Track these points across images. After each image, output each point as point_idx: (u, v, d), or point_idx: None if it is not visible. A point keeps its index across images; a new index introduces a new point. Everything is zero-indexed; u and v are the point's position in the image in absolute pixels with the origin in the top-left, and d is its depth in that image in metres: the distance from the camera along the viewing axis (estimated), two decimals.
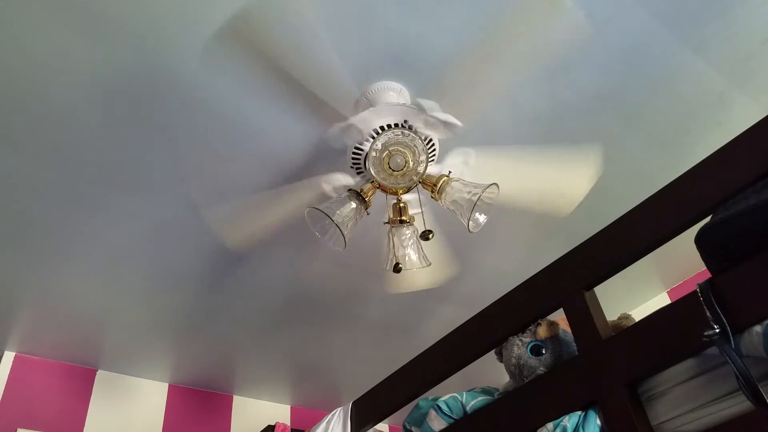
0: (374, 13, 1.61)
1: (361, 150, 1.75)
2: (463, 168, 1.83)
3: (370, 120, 1.70)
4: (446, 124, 1.73)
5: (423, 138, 1.72)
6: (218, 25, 1.58)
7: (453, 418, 1.54)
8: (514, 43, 1.61)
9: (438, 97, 1.73)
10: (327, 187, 1.85)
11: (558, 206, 1.97)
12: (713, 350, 1.04)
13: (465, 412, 1.53)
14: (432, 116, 1.70)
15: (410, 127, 1.71)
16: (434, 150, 1.79)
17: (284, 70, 1.63)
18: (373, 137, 1.71)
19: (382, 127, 1.71)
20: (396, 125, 1.71)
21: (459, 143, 1.85)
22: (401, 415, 1.75)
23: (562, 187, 1.96)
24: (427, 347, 1.71)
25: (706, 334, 1.00)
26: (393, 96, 1.76)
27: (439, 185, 1.73)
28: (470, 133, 1.85)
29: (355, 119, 1.69)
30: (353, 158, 1.79)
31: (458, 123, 1.72)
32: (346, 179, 1.85)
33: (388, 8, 1.60)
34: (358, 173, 1.85)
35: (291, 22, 1.55)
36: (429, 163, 1.73)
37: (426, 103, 1.70)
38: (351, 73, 1.70)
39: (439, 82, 1.75)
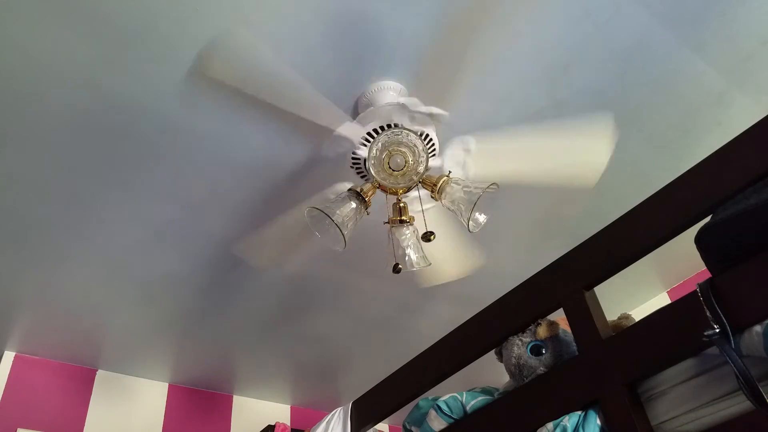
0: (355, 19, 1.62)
1: (359, 156, 1.77)
2: (464, 156, 1.82)
3: (357, 128, 1.72)
4: (432, 116, 1.72)
5: (419, 134, 1.72)
6: (186, 67, 1.66)
7: (453, 418, 1.54)
8: (480, 25, 1.55)
9: (417, 90, 1.73)
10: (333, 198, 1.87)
11: (582, 177, 1.90)
12: (713, 350, 1.04)
13: (465, 412, 1.53)
14: (416, 111, 1.70)
15: (396, 126, 1.72)
16: (433, 144, 1.79)
17: (260, 102, 1.66)
18: (368, 142, 1.72)
19: (372, 132, 1.72)
20: (385, 127, 1.71)
21: (458, 142, 1.85)
22: (401, 415, 1.75)
23: (581, 157, 1.88)
24: (426, 347, 1.71)
25: (706, 334, 1.00)
26: (381, 99, 1.77)
27: (439, 185, 1.73)
28: (470, 132, 1.84)
29: (343, 130, 1.71)
30: (353, 161, 1.80)
31: (443, 112, 1.71)
32: (350, 185, 1.87)
33: (363, 12, 1.60)
34: (360, 176, 1.85)
35: (252, 59, 1.60)
36: (430, 157, 1.72)
37: (406, 101, 1.69)
38: (327, 90, 1.71)
39: (416, 74, 1.74)
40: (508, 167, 1.83)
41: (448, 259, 2.07)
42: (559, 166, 1.87)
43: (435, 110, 1.70)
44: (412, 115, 1.70)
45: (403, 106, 1.69)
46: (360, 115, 1.73)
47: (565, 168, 1.89)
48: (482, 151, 1.82)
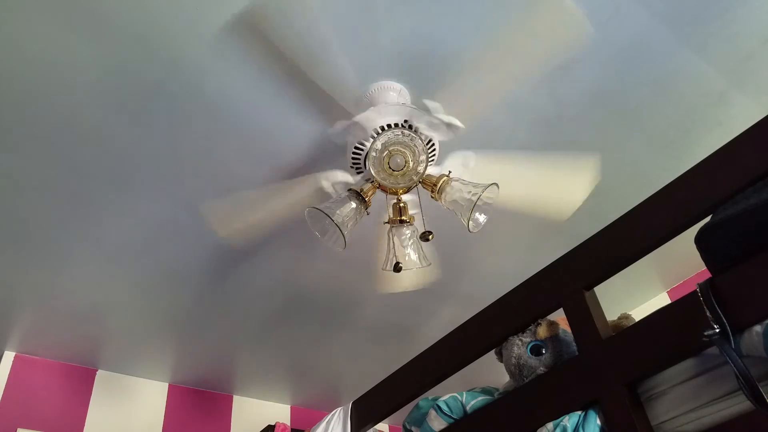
0: (379, 12, 1.61)
1: (362, 149, 1.75)
2: (462, 170, 1.83)
3: (373, 119, 1.70)
4: (449, 126, 1.73)
5: (423, 138, 1.73)
6: (221, 22, 1.58)
7: (453, 418, 1.54)
8: (518, 45, 1.61)
9: (440, 98, 1.73)
10: (326, 184, 1.85)
11: (556, 211, 1.98)
12: (713, 350, 1.04)
13: (465, 412, 1.53)
14: (436, 117, 1.70)
15: (411, 127, 1.72)
16: (434, 151, 1.80)
17: (289, 64, 1.63)
18: (375, 136, 1.71)
19: (383, 127, 1.71)
20: (397, 125, 1.71)
21: (458, 142, 1.85)
22: (401, 415, 1.75)
23: (561, 193, 1.97)
24: (427, 347, 1.71)
25: (706, 334, 1.00)
26: (393, 96, 1.76)
27: (439, 185, 1.73)
28: (470, 132, 1.84)
29: (360, 117, 1.70)
30: (353, 157, 1.79)
31: (460, 125, 1.73)
32: (345, 177, 1.85)
33: (394, 8, 1.60)
34: (358, 172, 1.85)
35: (297, 18, 1.55)
36: (429, 164, 1.73)
37: (430, 104, 1.70)
38: (355, 70, 1.70)
39: (443, 83, 1.75)
40: (502, 190, 1.85)
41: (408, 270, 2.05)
42: (539, 194, 1.95)
43: (454, 121, 1.72)
44: (431, 120, 1.71)
45: (424, 109, 1.69)
46: (379, 105, 1.72)
47: (545, 197, 1.96)
48: (481, 168, 1.84)
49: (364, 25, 1.63)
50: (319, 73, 1.65)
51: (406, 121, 1.72)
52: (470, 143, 1.89)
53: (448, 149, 1.84)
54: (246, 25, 1.58)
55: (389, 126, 1.71)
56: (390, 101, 1.73)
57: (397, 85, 1.78)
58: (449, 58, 1.72)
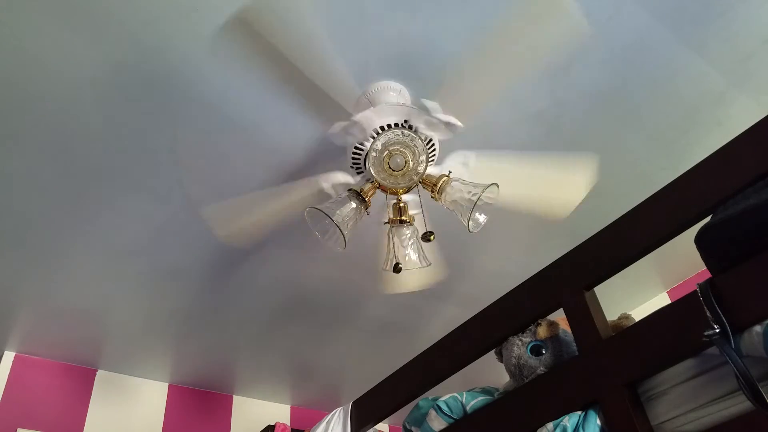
0: (377, 12, 1.61)
1: (362, 149, 1.76)
2: (462, 170, 1.83)
3: (373, 119, 1.70)
4: (448, 125, 1.73)
5: (423, 138, 1.73)
6: (220, 21, 1.58)
7: (453, 418, 1.54)
8: (515, 44, 1.61)
9: (438, 97, 1.74)
10: (326, 185, 1.85)
11: (554, 211, 1.99)
12: (713, 350, 1.04)
13: (465, 412, 1.53)
14: (434, 117, 1.70)
15: (411, 127, 1.72)
16: (434, 151, 1.80)
17: (288, 65, 1.63)
18: (375, 136, 1.71)
19: (383, 127, 1.71)
20: (397, 125, 1.71)
21: (458, 142, 1.85)
22: (401, 415, 1.75)
23: (559, 193, 1.98)
24: (427, 347, 1.71)
25: (706, 334, 1.00)
26: (393, 96, 1.76)
27: (439, 185, 1.73)
28: (470, 132, 1.85)
29: (359, 117, 1.70)
30: (353, 157, 1.79)
31: (459, 124, 1.73)
32: (345, 178, 1.85)
33: (391, 8, 1.60)
34: (358, 172, 1.85)
35: (295, 19, 1.55)
36: (429, 164, 1.73)
37: (429, 104, 1.70)
38: (353, 71, 1.70)
39: (440, 83, 1.75)
40: (502, 189, 1.85)
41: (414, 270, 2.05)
42: (539, 194, 1.96)
43: (453, 120, 1.72)
44: (430, 120, 1.71)
45: (423, 108, 1.69)
46: (379, 105, 1.72)
47: (544, 197, 1.97)
48: (480, 168, 1.84)
49: (360, 25, 1.63)
50: (317, 74, 1.64)
51: (406, 121, 1.72)
52: (470, 142, 1.89)
53: (448, 149, 1.84)
54: (241, 26, 1.58)
55: (389, 126, 1.71)
56: (389, 101, 1.73)
57: (397, 85, 1.78)
58: (447, 57, 1.72)
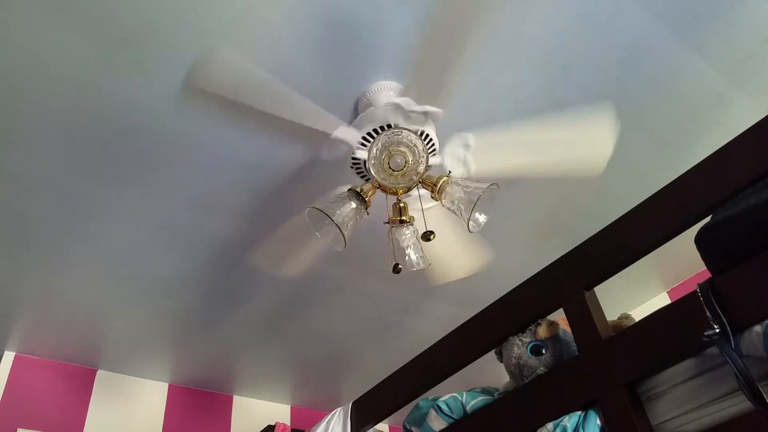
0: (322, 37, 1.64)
1: (358, 159, 1.77)
2: (464, 152, 1.81)
3: (354, 131, 1.71)
4: (427, 114, 1.72)
5: (418, 133, 1.72)
6: (177, 81, 1.69)
7: (453, 418, 1.54)
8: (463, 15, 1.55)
9: (409, 91, 1.72)
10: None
11: (587, 167, 1.87)
12: (713, 350, 1.04)
13: (465, 412, 1.53)
14: (411, 111, 1.69)
15: (395, 126, 1.72)
16: (432, 143, 1.79)
17: (250, 110, 1.64)
18: (367, 143, 1.72)
19: (372, 132, 1.72)
20: (385, 127, 1.71)
21: (458, 141, 1.84)
22: (401, 415, 1.75)
23: (584, 150, 1.87)
24: (426, 347, 1.71)
25: (706, 334, 1.00)
26: (379, 100, 1.76)
27: (439, 185, 1.73)
28: (469, 129, 1.84)
29: (339, 133, 1.71)
30: (353, 163, 1.80)
31: (438, 110, 1.70)
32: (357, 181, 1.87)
33: (353, 13, 1.60)
34: (361, 176, 1.85)
35: (237, 70, 1.59)
36: (430, 156, 1.72)
37: (402, 101, 1.69)
38: (318, 98, 1.69)
39: (408, 77, 1.74)
40: (509, 161, 1.82)
41: (457, 256, 2.05)
42: (562, 156, 1.85)
43: (430, 108, 1.70)
44: (408, 114, 1.70)
45: (397, 107, 1.68)
46: (357, 118, 1.73)
47: (569, 157, 1.86)
48: (481, 146, 1.81)
49: (314, 60, 1.67)
50: (284, 111, 1.65)
51: (389, 125, 1.72)
52: (470, 122, 1.86)
53: (445, 136, 1.82)
54: (197, 85, 1.64)
55: (375, 131, 1.72)
56: (370, 109, 1.74)
57: (396, 85, 1.78)
58: (404, 44, 1.70)
